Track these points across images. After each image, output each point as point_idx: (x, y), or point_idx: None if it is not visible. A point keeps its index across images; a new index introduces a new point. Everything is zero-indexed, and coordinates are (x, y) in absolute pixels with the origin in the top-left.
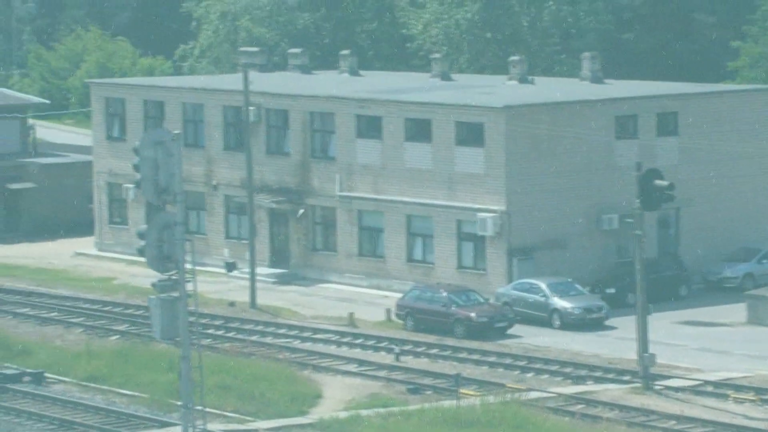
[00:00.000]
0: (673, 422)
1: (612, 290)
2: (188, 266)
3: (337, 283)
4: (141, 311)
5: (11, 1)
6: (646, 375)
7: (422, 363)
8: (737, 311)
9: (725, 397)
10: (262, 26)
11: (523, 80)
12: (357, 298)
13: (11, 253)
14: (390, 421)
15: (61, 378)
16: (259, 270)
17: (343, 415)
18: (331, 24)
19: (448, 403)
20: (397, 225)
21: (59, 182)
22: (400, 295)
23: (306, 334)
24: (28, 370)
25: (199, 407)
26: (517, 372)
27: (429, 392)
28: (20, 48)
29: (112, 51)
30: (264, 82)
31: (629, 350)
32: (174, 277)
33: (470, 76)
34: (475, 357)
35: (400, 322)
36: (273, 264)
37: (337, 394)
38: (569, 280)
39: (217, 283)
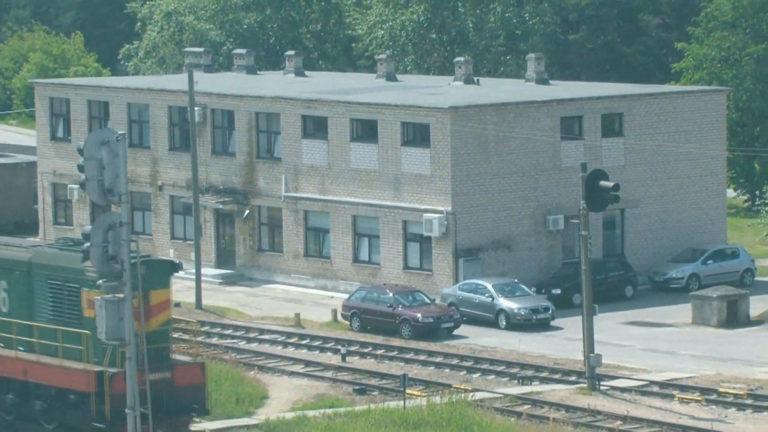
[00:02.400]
0: (619, 422)
1: (558, 291)
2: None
3: (283, 284)
4: None
5: None
6: (592, 375)
7: (369, 363)
8: (682, 312)
9: (671, 397)
10: (208, 25)
11: (468, 81)
12: (303, 298)
13: None
14: (336, 422)
15: None
16: (205, 270)
17: (289, 415)
18: (276, 24)
19: (394, 403)
20: (343, 225)
21: (3, 183)
22: (346, 296)
23: (252, 335)
24: None
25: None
26: (463, 372)
27: (375, 393)
28: None
29: (58, 50)
30: (209, 82)
31: (575, 351)
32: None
33: (416, 76)
34: (422, 357)
35: (347, 322)
36: (219, 264)
37: (283, 394)
38: (515, 280)
39: None
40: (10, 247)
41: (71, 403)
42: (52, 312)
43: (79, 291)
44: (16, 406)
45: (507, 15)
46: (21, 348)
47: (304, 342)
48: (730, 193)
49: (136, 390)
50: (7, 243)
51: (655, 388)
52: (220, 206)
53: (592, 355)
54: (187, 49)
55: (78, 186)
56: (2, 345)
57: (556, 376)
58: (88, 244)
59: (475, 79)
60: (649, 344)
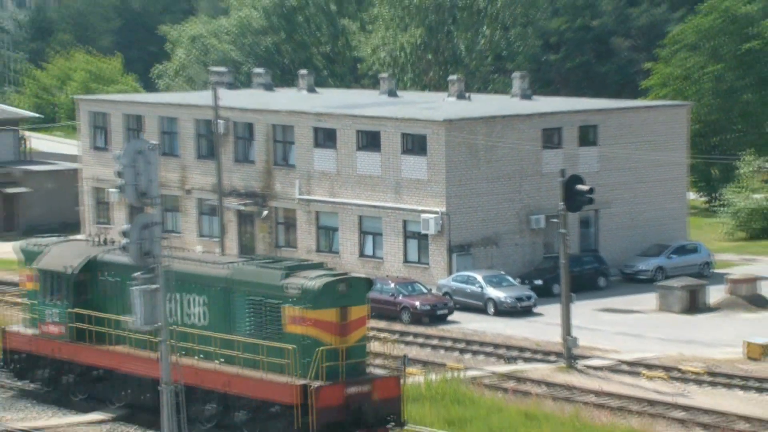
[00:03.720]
0: (593, 396)
1: (539, 282)
2: (165, 261)
3: None
4: None
5: (5, 26)
6: (569, 356)
7: (373, 346)
8: (649, 300)
9: (638, 374)
10: (230, 47)
11: (460, 97)
12: None
13: (9, 250)
14: None
15: None
16: None
17: None
18: (290, 46)
19: None
20: (351, 224)
21: (50, 187)
22: None
23: None
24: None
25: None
26: (456, 353)
27: None
28: (15, 68)
29: (99, 70)
30: (231, 98)
31: (555, 334)
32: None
33: (414, 93)
34: (420, 340)
35: None
36: None
37: None
38: (502, 272)
39: None
40: (208, 263)
41: (273, 414)
42: (252, 327)
43: (280, 307)
44: (216, 416)
45: (495, 38)
46: (220, 361)
47: None
48: (692, 195)
49: (169, 368)
50: (205, 260)
51: (625, 367)
52: (242, 208)
53: (569, 337)
54: (212, 68)
55: (116, 190)
56: (202, 356)
57: (538, 357)
58: (126, 241)
59: (467, 95)
60: (620, 328)
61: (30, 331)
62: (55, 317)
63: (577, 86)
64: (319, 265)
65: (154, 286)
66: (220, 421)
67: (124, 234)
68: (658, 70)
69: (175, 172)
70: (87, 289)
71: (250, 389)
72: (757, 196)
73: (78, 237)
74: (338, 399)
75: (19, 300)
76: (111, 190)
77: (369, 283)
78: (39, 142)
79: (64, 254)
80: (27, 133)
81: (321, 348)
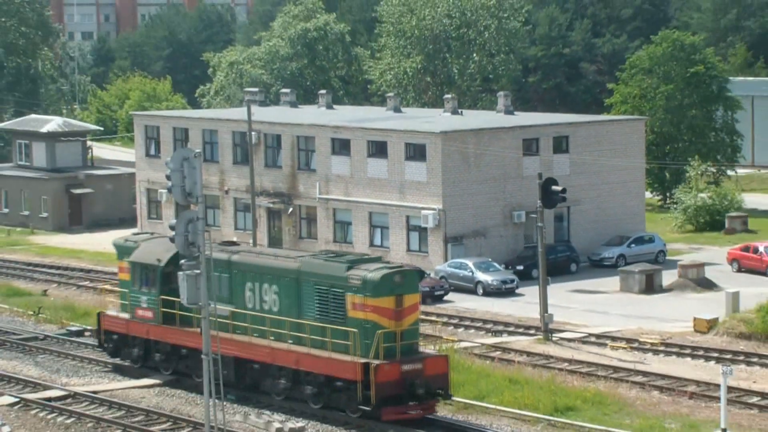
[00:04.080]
0: (566, 364)
1: (521, 267)
2: (207, 251)
3: None
4: None
5: (73, 54)
6: (546, 329)
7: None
8: (613, 282)
9: (604, 345)
10: (261, 71)
11: (454, 112)
12: None
13: (76, 241)
14: None
15: None
16: None
17: None
18: (312, 70)
19: None
20: (362, 219)
21: (111, 188)
22: None
23: None
24: (88, 327)
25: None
26: (451, 327)
27: None
28: (81, 89)
29: (151, 90)
30: (262, 113)
31: (534, 311)
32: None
33: (415, 109)
34: (420, 317)
35: None
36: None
37: None
38: (489, 259)
39: None
40: (280, 257)
41: (337, 388)
42: (319, 312)
43: (344, 295)
44: (287, 390)
45: (483, 63)
46: (290, 341)
47: None
48: (648, 194)
49: (209, 339)
50: (277, 254)
51: (593, 339)
52: (271, 205)
53: (546, 314)
54: (246, 89)
55: (166, 191)
56: (273, 338)
57: (520, 330)
58: (173, 233)
59: (459, 111)
60: (588, 306)
61: (124, 315)
62: (146, 303)
63: (552, 103)
64: (377, 259)
65: (196, 271)
66: (290, 394)
67: (172, 228)
68: (619, 90)
69: (215, 175)
70: (173, 279)
71: (317, 366)
72: (702, 195)
73: (159, 233)
74: (395, 375)
75: (114, 288)
76: (161, 190)
77: (421, 274)
78: (101, 150)
79: (153, 249)
80: (91, 143)
81: (380, 331)
